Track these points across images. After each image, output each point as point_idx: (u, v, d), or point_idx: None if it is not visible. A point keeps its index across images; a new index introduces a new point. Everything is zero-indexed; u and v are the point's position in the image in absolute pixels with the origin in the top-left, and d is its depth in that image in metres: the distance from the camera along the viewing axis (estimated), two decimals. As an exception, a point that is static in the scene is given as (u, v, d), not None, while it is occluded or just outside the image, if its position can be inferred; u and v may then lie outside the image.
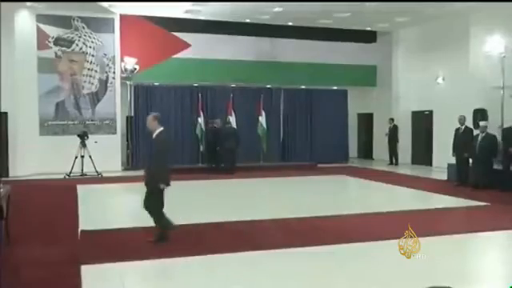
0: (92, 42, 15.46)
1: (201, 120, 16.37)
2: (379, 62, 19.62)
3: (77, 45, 15.34)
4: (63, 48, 15.23)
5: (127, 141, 16.19)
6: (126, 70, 15.77)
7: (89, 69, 15.48)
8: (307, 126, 18.01)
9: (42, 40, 14.97)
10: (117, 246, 6.55)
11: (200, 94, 16.59)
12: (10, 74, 13.76)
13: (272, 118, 17.45)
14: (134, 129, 16.12)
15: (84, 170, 14.21)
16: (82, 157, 14.19)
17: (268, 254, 6.15)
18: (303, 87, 18.60)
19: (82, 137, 14.28)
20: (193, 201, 10.69)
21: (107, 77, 15.67)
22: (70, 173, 14.02)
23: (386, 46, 18.98)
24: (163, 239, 6.59)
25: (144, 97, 16.37)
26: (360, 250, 6.38)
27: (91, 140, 14.45)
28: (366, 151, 20.58)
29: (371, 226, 7.81)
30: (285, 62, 18.23)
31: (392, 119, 18.05)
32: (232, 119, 16.10)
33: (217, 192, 12.12)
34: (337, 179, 14.42)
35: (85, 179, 13.67)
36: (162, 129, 6.81)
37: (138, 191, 12.26)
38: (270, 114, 17.33)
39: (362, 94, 20.24)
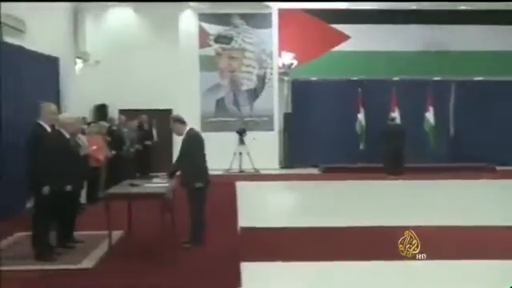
0: (250, 37, 16.09)
1: (361, 116, 16.08)
2: None
3: (236, 41, 16.10)
4: (223, 45, 16.09)
5: (285, 138, 16.50)
6: (283, 65, 16.13)
7: (247, 65, 16.16)
8: (483, 123, 16.56)
9: (203, 38, 16.00)
10: (275, 245, 6.67)
11: (360, 89, 16.28)
12: (175, 73, 15.01)
13: (441, 114, 16.42)
14: (292, 126, 16.36)
15: (242, 167, 14.89)
16: (241, 154, 14.89)
17: (431, 264, 5.76)
18: (479, 79, 17.21)
19: (241, 133, 15.00)
20: (350, 203, 10.49)
21: (265, 73, 16.19)
22: (229, 169, 14.77)
23: None
24: (198, 241, 6.49)
25: (302, 92, 16.55)
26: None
27: (249, 137, 15.08)
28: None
29: None
30: (456, 51, 17.03)
31: None
32: (396, 115, 15.52)
33: (377, 194, 11.76)
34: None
35: (243, 176, 14.28)
36: (189, 127, 6.67)
37: (296, 190, 12.57)
38: (438, 109, 16.33)
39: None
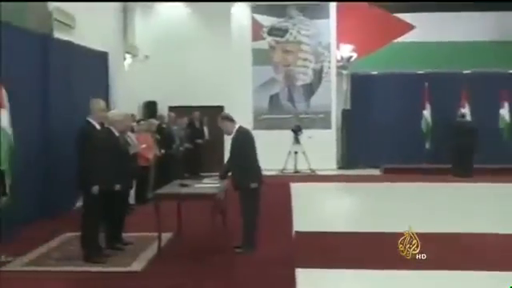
0: (307, 29, 16.01)
1: (427, 113, 15.70)
2: None
3: (291, 34, 16.07)
4: (277, 38, 16.10)
5: (343, 136, 16.33)
6: (342, 58, 15.97)
7: (303, 59, 16.10)
8: None
9: (256, 31, 16.06)
10: (332, 250, 6.63)
11: (426, 83, 15.89)
12: (226, 68, 15.13)
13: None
14: (351, 123, 16.17)
15: (297, 167, 14.86)
16: (296, 153, 14.86)
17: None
18: (560, 71, 16.48)
19: (296, 132, 14.96)
20: (412, 206, 10.23)
21: (322, 66, 16.09)
22: (284, 169, 14.77)
23: None
24: (251, 246, 6.50)
25: (361, 87, 16.33)
26: None
27: (305, 135, 15.02)
28: None
29: None
30: (534, 40, 16.46)
31: None
32: (466, 112, 15.07)
33: (442, 197, 11.45)
34: None
35: (298, 177, 14.25)
36: (238, 126, 6.69)
37: (355, 192, 12.43)
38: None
39: None
